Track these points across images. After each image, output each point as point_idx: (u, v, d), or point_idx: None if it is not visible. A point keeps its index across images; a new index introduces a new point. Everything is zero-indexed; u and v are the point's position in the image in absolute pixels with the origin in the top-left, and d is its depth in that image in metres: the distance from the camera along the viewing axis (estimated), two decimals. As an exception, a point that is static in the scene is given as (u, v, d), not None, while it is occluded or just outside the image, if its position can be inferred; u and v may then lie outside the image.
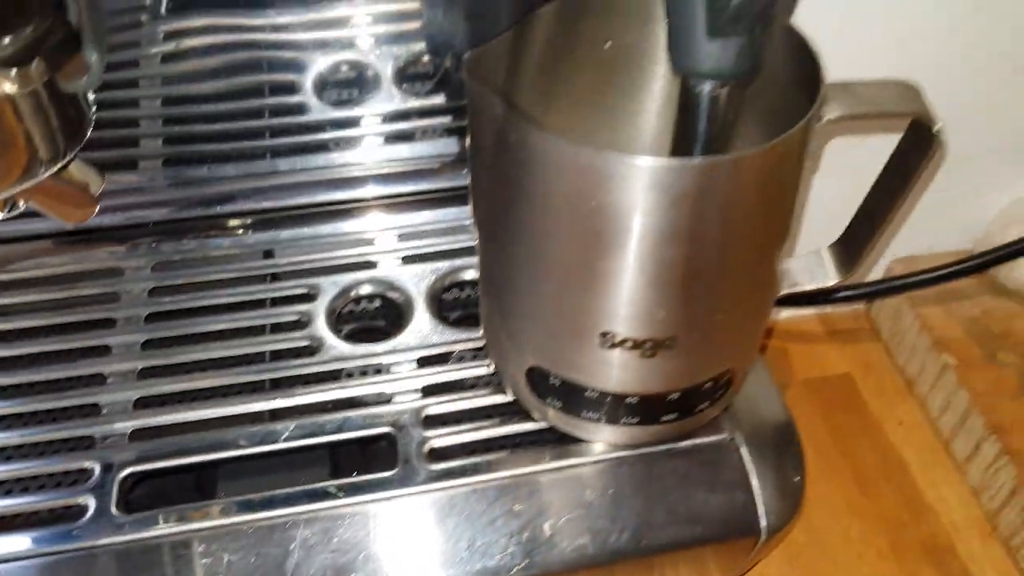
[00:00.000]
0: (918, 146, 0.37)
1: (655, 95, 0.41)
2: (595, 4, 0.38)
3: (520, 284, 0.39)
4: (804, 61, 0.35)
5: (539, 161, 0.33)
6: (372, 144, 0.56)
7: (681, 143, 0.34)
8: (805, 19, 0.36)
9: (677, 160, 0.31)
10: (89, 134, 0.36)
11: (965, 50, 0.49)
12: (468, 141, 0.38)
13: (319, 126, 0.56)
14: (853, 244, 0.42)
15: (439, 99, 0.58)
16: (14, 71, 0.30)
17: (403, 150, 0.56)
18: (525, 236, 0.36)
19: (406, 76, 0.57)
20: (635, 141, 0.42)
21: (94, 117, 0.36)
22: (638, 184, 0.32)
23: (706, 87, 0.32)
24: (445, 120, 0.56)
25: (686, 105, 0.33)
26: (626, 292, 0.35)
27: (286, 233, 0.54)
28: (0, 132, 0.32)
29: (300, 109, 0.56)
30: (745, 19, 0.29)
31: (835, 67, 0.35)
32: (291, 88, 0.55)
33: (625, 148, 0.39)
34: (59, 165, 0.34)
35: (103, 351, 0.47)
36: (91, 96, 0.36)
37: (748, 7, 0.29)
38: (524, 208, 0.36)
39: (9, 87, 0.31)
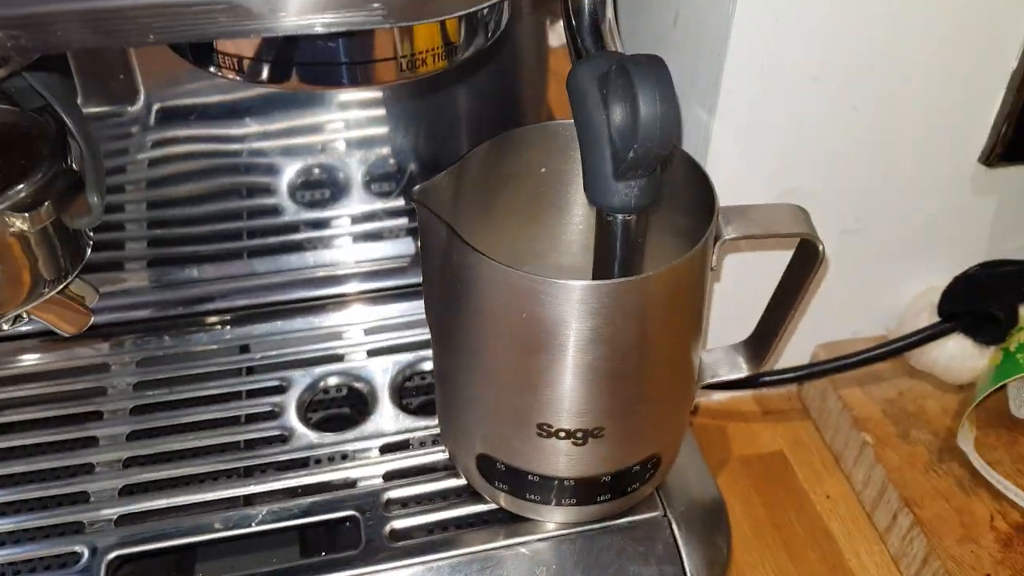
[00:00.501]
0: (807, 260, 0.43)
1: (582, 212, 0.47)
2: (532, 138, 0.44)
3: (466, 380, 0.44)
4: (701, 185, 0.41)
5: (478, 278, 0.39)
6: (342, 243, 0.62)
7: (601, 261, 0.40)
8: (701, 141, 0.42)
9: (595, 283, 0.37)
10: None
11: (873, 160, 0.56)
12: (421, 255, 0.43)
13: (293, 226, 0.61)
14: (760, 341, 0.48)
15: (403, 202, 0.63)
16: (27, 214, 0.36)
17: (371, 249, 0.62)
18: (469, 339, 0.42)
19: (373, 179, 0.63)
20: (566, 252, 0.48)
21: (91, 240, 0.42)
22: (563, 301, 0.37)
23: (617, 217, 0.38)
24: (408, 221, 0.62)
25: (602, 231, 0.39)
26: (557, 389, 0.40)
27: (261, 328, 0.59)
28: (11, 263, 0.37)
29: (275, 211, 0.61)
30: (643, 165, 0.35)
31: (742, 179, 0.41)
32: (267, 190, 0.61)
33: (557, 258, 0.44)
34: (61, 286, 0.40)
35: (91, 442, 0.51)
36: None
37: (644, 157, 0.35)
38: (467, 316, 0.41)
39: (21, 226, 0.36)
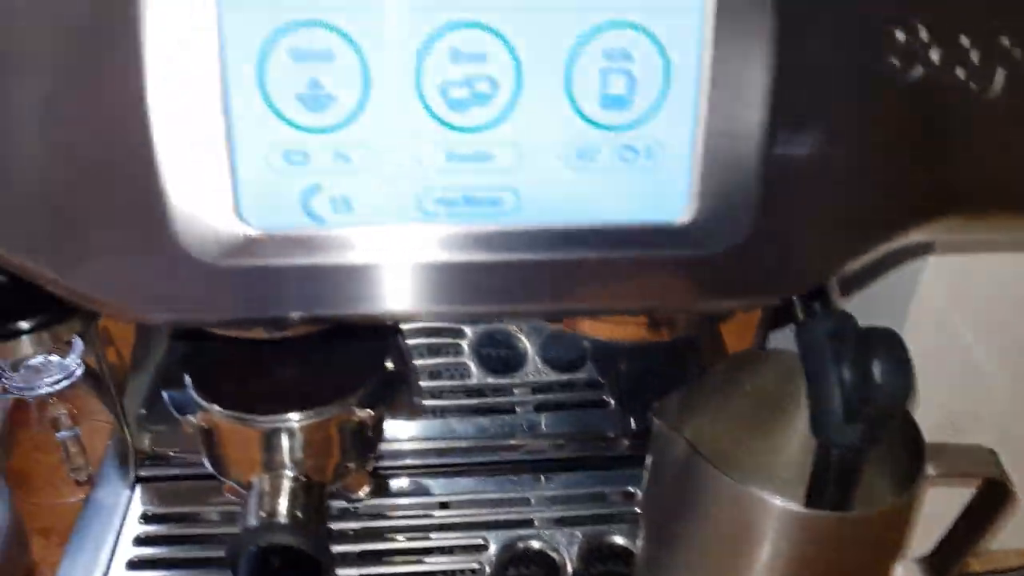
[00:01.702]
0: (995, 500, 0.49)
1: (799, 434, 0.54)
2: (760, 361, 0.53)
3: (677, 573, 0.51)
4: (906, 427, 0.48)
5: (706, 489, 0.47)
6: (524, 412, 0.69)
7: (816, 489, 0.47)
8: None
9: (813, 512, 0.44)
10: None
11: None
12: (648, 463, 0.51)
13: (478, 390, 0.69)
14: (941, 562, 0.54)
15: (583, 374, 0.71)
16: (368, 411, 0.46)
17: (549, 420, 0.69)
18: (685, 539, 0.49)
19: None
20: (782, 470, 0.55)
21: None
22: (778, 522, 0.45)
23: (838, 453, 0.45)
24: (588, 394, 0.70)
25: (820, 460, 0.47)
26: (769, 593, 0.47)
27: (451, 486, 0.67)
28: (347, 444, 0.46)
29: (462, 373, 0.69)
30: (875, 420, 0.43)
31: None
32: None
33: (773, 474, 0.52)
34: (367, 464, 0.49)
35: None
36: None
37: (878, 415, 0.43)
38: (688, 520, 0.49)
39: (362, 418, 0.46)
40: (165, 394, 0.46)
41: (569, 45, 0.31)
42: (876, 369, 0.41)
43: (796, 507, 0.44)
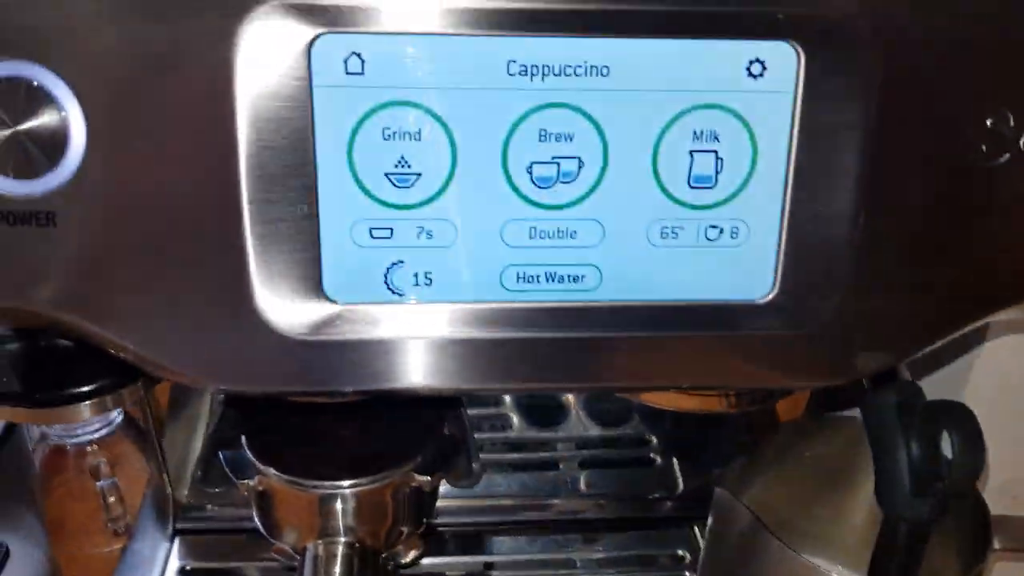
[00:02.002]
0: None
1: (862, 503, 0.53)
2: (820, 427, 0.52)
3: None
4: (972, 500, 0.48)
5: (770, 561, 0.46)
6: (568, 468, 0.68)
7: (880, 563, 0.46)
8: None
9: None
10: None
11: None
12: (708, 530, 0.51)
13: (521, 444, 0.68)
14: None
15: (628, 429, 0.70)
16: (426, 477, 0.45)
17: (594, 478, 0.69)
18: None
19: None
20: (845, 540, 0.54)
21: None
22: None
23: (905, 527, 0.45)
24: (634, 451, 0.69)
25: (886, 532, 0.46)
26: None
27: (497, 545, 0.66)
28: (404, 510, 0.46)
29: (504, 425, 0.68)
30: (945, 495, 0.42)
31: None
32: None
33: (835, 547, 0.51)
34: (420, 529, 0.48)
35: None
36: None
37: (949, 490, 0.42)
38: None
39: (420, 484, 0.45)
40: (221, 455, 0.46)
41: (657, 125, 0.31)
42: (947, 444, 0.41)
43: (861, 582, 0.43)
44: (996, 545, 0.47)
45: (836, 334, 0.34)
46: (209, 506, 0.62)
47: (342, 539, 0.45)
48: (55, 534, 0.61)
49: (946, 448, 0.42)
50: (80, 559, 0.64)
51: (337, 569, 0.44)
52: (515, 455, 0.67)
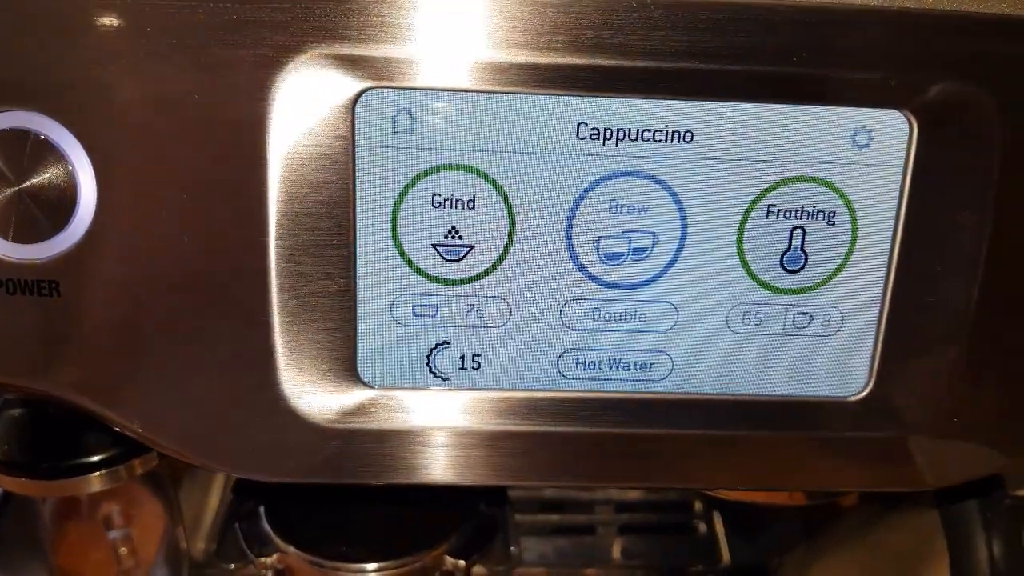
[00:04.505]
0: None
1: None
2: (883, 515, 0.48)
3: None
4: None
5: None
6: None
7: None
8: None
9: None
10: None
11: None
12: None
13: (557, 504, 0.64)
14: None
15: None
16: (459, 562, 0.41)
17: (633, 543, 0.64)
18: None
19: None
20: None
21: None
22: None
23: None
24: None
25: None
26: None
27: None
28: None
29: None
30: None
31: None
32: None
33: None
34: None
35: None
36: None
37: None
38: None
39: (451, 568, 0.41)
40: (238, 527, 0.42)
41: (745, 199, 0.27)
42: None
43: None
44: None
45: (935, 437, 0.29)
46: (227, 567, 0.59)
47: (366, 623, 0.41)
48: (65, 586, 0.58)
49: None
50: (90, 611, 0.60)
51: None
52: (549, 516, 0.63)
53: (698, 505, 0.64)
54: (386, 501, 0.43)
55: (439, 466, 0.29)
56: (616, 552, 0.62)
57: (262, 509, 0.42)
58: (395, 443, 0.28)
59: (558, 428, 0.29)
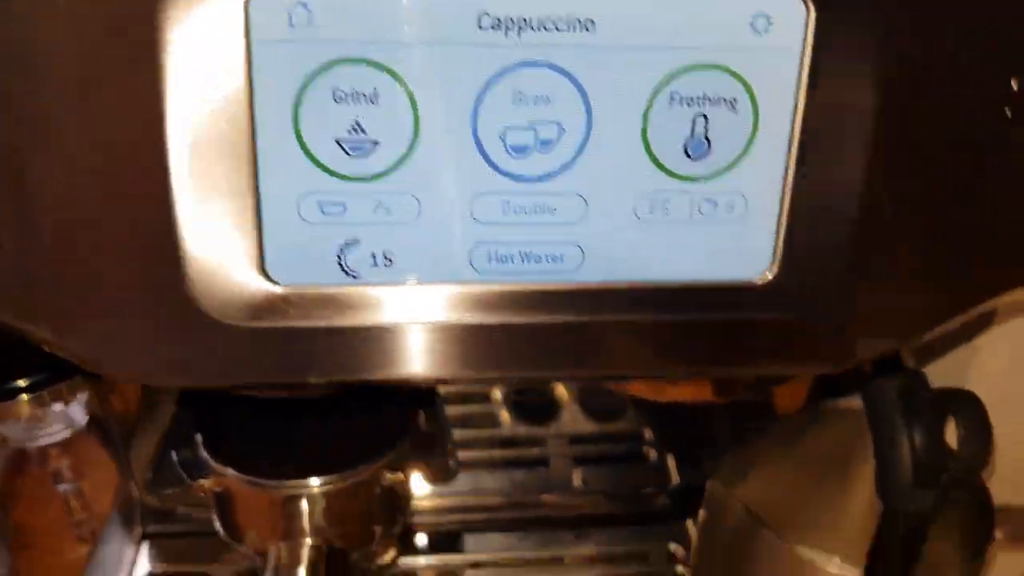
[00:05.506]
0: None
1: (861, 495, 0.50)
2: (813, 419, 0.49)
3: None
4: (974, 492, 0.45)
5: (766, 555, 0.43)
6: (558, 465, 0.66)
7: (878, 555, 0.43)
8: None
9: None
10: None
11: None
12: (700, 524, 0.48)
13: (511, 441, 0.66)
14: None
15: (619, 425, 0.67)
16: (398, 475, 0.42)
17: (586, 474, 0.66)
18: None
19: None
20: (843, 533, 0.51)
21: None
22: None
23: (905, 518, 0.42)
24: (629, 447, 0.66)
25: (886, 524, 0.43)
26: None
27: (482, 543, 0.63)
28: (375, 510, 0.42)
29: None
30: (945, 482, 0.40)
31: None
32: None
33: (833, 539, 0.48)
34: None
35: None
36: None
37: (955, 481, 0.39)
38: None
39: (391, 482, 0.42)
40: (174, 455, 0.42)
41: (648, 87, 0.27)
42: (953, 433, 0.38)
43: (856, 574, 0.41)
44: (999, 536, 0.44)
45: (839, 316, 0.30)
46: (180, 508, 0.59)
47: (308, 541, 0.42)
48: (21, 541, 0.58)
49: (950, 439, 0.39)
50: (44, 566, 0.60)
51: (301, 571, 0.41)
52: (504, 452, 0.64)
53: (648, 435, 0.66)
54: (323, 419, 0.43)
55: (353, 364, 0.29)
56: (575, 481, 0.64)
57: (198, 436, 0.42)
58: (307, 342, 0.28)
59: (472, 320, 0.29)
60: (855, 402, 0.43)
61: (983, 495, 0.45)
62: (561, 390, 0.66)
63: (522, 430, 0.63)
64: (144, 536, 0.59)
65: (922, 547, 0.43)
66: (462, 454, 0.63)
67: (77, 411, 0.58)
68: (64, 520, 0.58)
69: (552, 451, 0.64)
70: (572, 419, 0.65)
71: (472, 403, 0.63)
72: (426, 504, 0.60)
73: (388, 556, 0.47)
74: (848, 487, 0.49)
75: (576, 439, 0.65)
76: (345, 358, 0.29)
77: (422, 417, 0.44)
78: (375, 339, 0.29)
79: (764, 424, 0.49)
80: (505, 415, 0.64)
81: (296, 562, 0.41)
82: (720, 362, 0.31)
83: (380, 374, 0.29)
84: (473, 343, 0.29)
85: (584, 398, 0.64)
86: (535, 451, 0.63)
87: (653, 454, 0.65)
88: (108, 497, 0.61)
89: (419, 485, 0.59)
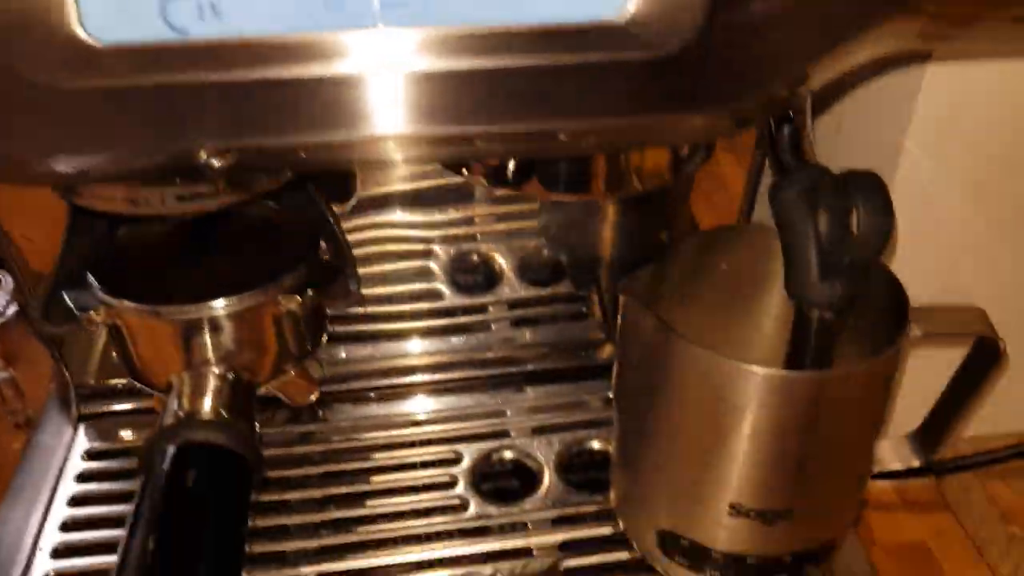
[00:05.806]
0: (985, 358, 0.45)
1: (772, 309, 0.50)
2: (731, 237, 0.48)
3: (657, 461, 0.47)
4: (891, 290, 0.44)
5: (679, 364, 0.42)
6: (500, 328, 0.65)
7: (794, 354, 0.43)
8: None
9: (794, 372, 0.40)
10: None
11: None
12: (617, 341, 0.47)
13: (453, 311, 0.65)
14: (931, 434, 0.50)
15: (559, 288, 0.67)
16: (298, 297, 0.41)
17: (528, 334, 0.65)
18: (664, 423, 0.45)
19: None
20: (756, 346, 0.51)
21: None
22: (759, 388, 0.40)
23: (816, 313, 0.41)
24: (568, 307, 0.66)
25: (799, 325, 0.42)
26: (752, 472, 0.43)
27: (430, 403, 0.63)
28: (271, 340, 0.41)
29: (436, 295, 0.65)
30: (854, 270, 0.39)
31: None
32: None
33: (747, 352, 0.47)
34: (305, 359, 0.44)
35: (284, 506, 0.55)
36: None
37: (858, 264, 0.38)
38: (664, 401, 0.44)
39: (291, 307, 0.41)
40: (64, 294, 0.41)
41: None
42: (855, 215, 0.37)
43: (773, 370, 0.40)
44: (917, 332, 0.44)
45: (704, 54, 0.29)
46: (118, 383, 0.59)
47: (214, 370, 0.41)
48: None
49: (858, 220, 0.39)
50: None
51: (205, 398, 0.40)
52: (448, 321, 0.64)
53: (594, 297, 0.65)
54: (218, 253, 0.42)
55: (177, 126, 0.27)
56: (511, 342, 0.64)
57: (88, 274, 0.41)
58: (131, 102, 0.27)
59: (312, 73, 0.28)
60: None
61: (896, 287, 0.44)
62: (501, 262, 0.65)
63: (463, 301, 0.63)
64: (81, 418, 0.59)
65: (833, 339, 0.42)
66: (408, 324, 0.62)
67: (1, 299, 0.57)
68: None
69: (494, 316, 0.64)
70: (511, 288, 0.65)
71: (412, 283, 0.62)
72: (371, 368, 0.61)
73: (311, 397, 0.46)
74: (764, 301, 0.49)
75: (516, 304, 0.65)
76: (169, 121, 0.27)
77: (322, 246, 0.43)
78: (205, 97, 0.27)
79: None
80: (446, 291, 0.63)
81: (199, 390, 0.40)
82: (581, 112, 0.30)
83: (213, 136, 0.28)
84: (310, 98, 0.28)
85: (521, 269, 0.64)
86: (478, 318, 0.63)
87: (598, 311, 0.65)
88: (40, 383, 0.62)
89: (369, 352, 0.60)
